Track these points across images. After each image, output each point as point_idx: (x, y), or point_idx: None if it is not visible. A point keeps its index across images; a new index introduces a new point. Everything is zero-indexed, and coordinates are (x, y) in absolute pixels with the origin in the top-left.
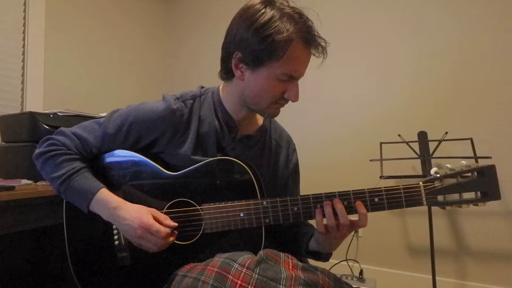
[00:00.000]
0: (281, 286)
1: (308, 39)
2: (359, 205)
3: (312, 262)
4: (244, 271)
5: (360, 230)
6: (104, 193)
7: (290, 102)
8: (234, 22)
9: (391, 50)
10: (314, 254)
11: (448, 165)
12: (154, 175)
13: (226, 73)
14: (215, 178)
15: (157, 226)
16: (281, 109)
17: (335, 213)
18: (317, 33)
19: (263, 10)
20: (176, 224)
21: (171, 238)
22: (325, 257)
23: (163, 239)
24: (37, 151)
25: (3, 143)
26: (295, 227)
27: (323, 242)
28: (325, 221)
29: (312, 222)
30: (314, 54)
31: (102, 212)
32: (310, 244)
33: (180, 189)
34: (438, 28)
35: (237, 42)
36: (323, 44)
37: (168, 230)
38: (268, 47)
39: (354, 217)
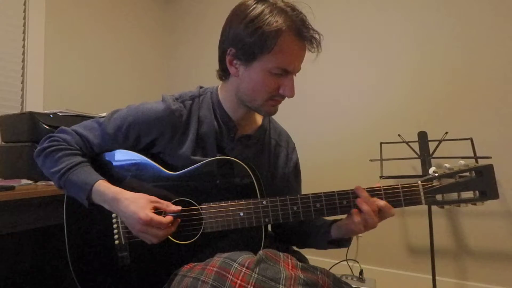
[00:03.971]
0: (280, 286)
1: (300, 31)
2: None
3: (312, 261)
4: (243, 270)
5: None
6: (102, 185)
7: (290, 101)
8: (228, 20)
9: (391, 49)
10: (337, 242)
11: (446, 165)
12: (154, 174)
13: (223, 71)
14: (215, 177)
15: (157, 218)
16: (281, 109)
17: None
18: (310, 26)
19: (254, 5)
20: (179, 207)
21: (172, 228)
22: (347, 241)
23: (165, 228)
24: (38, 148)
25: (3, 143)
26: (304, 222)
27: (350, 230)
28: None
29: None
30: (309, 49)
31: (103, 204)
32: (332, 232)
33: (180, 188)
34: (438, 28)
35: (230, 39)
36: (316, 36)
37: (170, 218)
38: (259, 39)
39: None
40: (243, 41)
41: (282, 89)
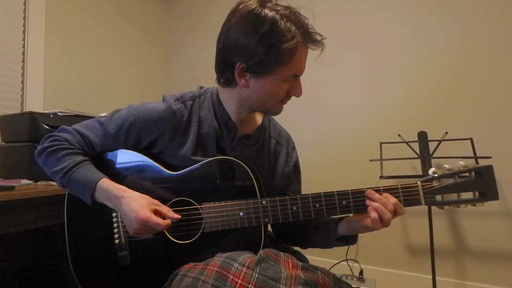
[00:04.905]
0: (281, 285)
1: (308, 39)
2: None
3: (312, 261)
4: (244, 270)
5: None
6: (106, 182)
7: (290, 101)
8: (232, 29)
9: (391, 49)
10: (345, 239)
11: (446, 165)
12: (154, 174)
13: (227, 81)
14: (215, 177)
15: (155, 219)
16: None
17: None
18: (313, 29)
19: (262, 15)
20: (179, 216)
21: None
22: (355, 238)
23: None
24: (39, 147)
25: (3, 143)
26: (310, 221)
27: (364, 227)
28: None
29: None
30: (310, 47)
31: (106, 202)
32: (339, 230)
33: (180, 188)
34: (438, 28)
35: (238, 51)
36: (320, 39)
37: (168, 222)
38: (276, 56)
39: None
40: (258, 57)
41: (292, 92)
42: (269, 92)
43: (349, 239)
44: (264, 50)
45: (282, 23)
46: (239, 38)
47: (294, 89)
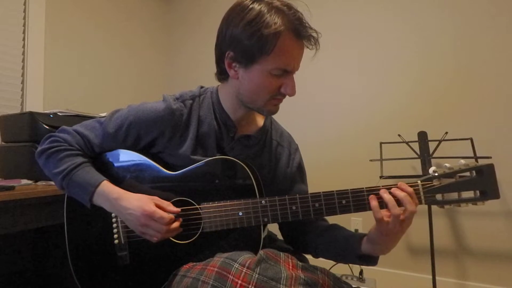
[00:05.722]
0: (281, 285)
1: (298, 30)
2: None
3: (312, 261)
4: (244, 270)
5: (360, 230)
6: (106, 185)
7: (290, 101)
8: (224, 21)
9: (391, 49)
10: (366, 259)
11: (446, 164)
12: (154, 174)
13: (221, 73)
14: (214, 177)
15: (160, 212)
16: (281, 109)
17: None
18: (308, 24)
19: (251, 6)
20: (179, 210)
21: (175, 224)
22: (376, 260)
23: (166, 225)
24: (39, 148)
25: (3, 143)
26: (326, 231)
27: (381, 243)
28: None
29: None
30: (307, 47)
31: (104, 204)
32: (362, 247)
33: (179, 188)
34: (438, 28)
35: (228, 41)
36: (314, 35)
37: (171, 216)
38: (258, 42)
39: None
40: (242, 44)
41: (284, 89)
42: (257, 85)
43: (371, 259)
44: (247, 37)
45: (270, 13)
46: (228, 29)
47: (285, 85)
